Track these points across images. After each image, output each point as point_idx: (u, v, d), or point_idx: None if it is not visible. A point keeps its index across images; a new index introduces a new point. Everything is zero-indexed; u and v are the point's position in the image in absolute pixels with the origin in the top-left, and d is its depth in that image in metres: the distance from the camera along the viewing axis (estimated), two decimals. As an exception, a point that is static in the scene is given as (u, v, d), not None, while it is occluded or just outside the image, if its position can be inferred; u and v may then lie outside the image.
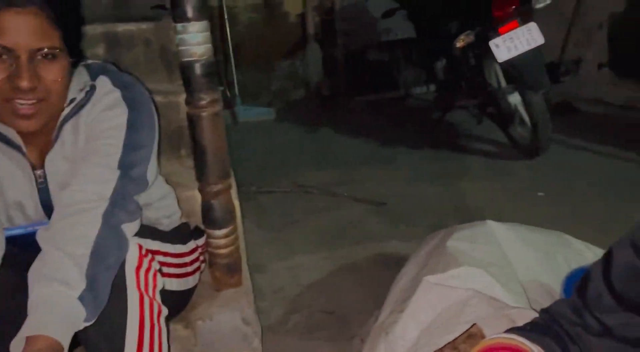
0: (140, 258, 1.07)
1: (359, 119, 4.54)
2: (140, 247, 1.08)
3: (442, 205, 2.63)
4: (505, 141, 3.30)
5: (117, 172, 1.07)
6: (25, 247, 1.08)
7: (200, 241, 1.44)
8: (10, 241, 1.12)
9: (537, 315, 1.13)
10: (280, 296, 1.92)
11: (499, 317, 1.17)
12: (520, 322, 1.11)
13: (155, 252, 1.19)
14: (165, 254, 1.25)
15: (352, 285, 1.95)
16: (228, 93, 4.50)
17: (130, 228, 1.07)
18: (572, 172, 2.91)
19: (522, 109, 3.01)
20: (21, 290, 0.96)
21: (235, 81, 4.66)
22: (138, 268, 1.06)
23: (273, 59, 5.02)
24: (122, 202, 1.06)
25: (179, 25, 1.34)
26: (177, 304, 1.35)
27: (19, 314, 0.92)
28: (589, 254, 1.57)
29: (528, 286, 1.35)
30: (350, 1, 4.88)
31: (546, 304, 1.37)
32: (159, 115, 1.23)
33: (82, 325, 0.95)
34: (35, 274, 0.95)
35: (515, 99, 3.03)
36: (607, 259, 0.86)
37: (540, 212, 2.48)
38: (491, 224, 1.55)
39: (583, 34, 4.13)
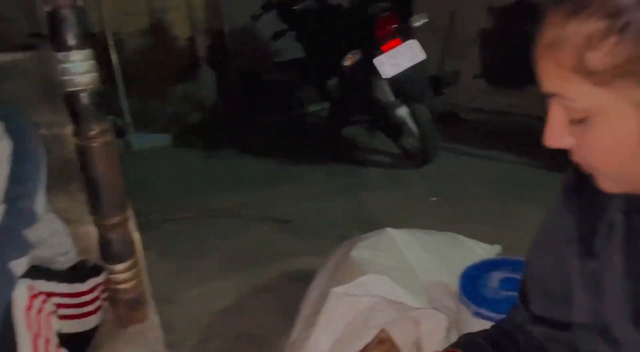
0: (31, 298, 1.00)
1: (258, 140, 4.55)
2: (31, 286, 1.01)
3: (346, 217, 2.71)
4: (398, 152, 3.47)
5: (2, 206, 1.00)
6: None
7: (100, 278, 1.37)
8: None
9: (438, 313, 1.19)
10: (193, 325, 1.88)
11: (404, 319, 1.23)
12: (424, 322, 1.18)
13: (50, 294, 1.12)
14: (62, 295, 1.18)
15: (265, 305, 1.95)
16: (119, 122, 4.33)
17: (19, 265, 1.01)
18: (459, 176, 3.11)
19: (410, 121, 3.19)
20: None
21: (127, 109, 4.50)
22: (28, 309, 0.99)
23: (165, 84, 4.91)
24: (7, 237, 1.00)
25: (61, 55, 1.29)
26: (78, 346, 1.28)
27: None
28: (480, 251, 1.70)
29: (428, 286, 1.44)
30: (239, 24, 4.91)
31: (446, 301, 1.46)
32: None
33: None
34: None
35: (403, 112, 3.20)
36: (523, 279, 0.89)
37: (435, 215, 2.63)
38: (390, 231, 1.63)
39: (459, 48, 4.46)
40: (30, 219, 1.07)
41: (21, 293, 0.99)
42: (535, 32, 0.59)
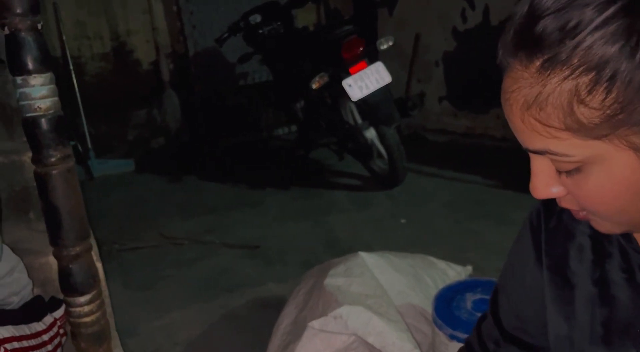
0: None
1: (222, 164, 4.50)
2: None
3: (314, 241, 2.68)
4: (366, 174, 3.47)
5: None
6: None
7: (58, 313, 1.30)
8: None
9: (412, 343, 1.17)
10: (156, 358, 1.80)
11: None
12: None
13: (7, 340, 1.04)
14: (19, 338, 1.11)
15: (231, 334, 1.89)
16: (80, 147, 4.21)
17: None
18: (427, 197, 3.13)
19: (378, 143, 3.20)
20: None
21: (87, 134, 4.39)
22: None
23: (128, 109, 4.83)
24: None
25: (19, 79, 1.23)
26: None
27: None
28: (452, 272, 1.69)
29: (403, 310, 1.42)
30: (204, 47, 4.89)
31: (421, 326, 1.44)
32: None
33: None
34: None
35: (371, 134, 3.22)
36: (494, 300, 0.89)
37: (404, 237, 2.63)
38: (362, 255, 1.61)
39: (423, 71, 4.54)
40: None
41: None
42: (501, 88, 0.56)
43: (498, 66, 0.58)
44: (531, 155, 0.57)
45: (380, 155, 3.28)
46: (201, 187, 3.89)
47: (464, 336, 1.20)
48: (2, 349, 0.95)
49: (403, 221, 2.83)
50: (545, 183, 0.57)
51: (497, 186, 3.11)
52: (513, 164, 3.47)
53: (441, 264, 1.74)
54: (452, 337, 1.22)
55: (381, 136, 3.10)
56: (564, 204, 0.59)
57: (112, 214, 3.38)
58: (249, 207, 3.29)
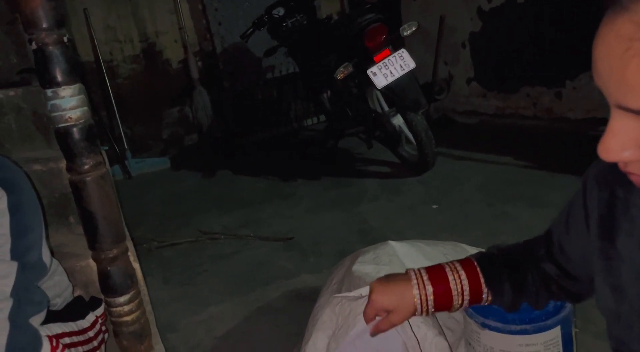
0: (53, 351, 0.99)
1: (255, 158, 4.56)
2: (50, 339, 0.99)
3: (346, 231, 2.70)
4: (396, 161, 3.47)
5: (15, 264, 0.97)
6: None
7: (99, 311, 1.36)
8: None
9: (437, 329, 1.19)
10: None
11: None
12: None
13: (60, 336, 1.11)
14: (70, 334, 1.17)
15: (269, 327, 1.93)
16: (117, 148, 4.34)
17: (38, 320, 1.00)
18: (458, 181, 3.11)
19: (406, 129, 3.19)
20: None
21: (123, 135, 4.52)
22: None
23: (160, 108, 4.94)
24: (25, 294, 0.98)
25: (49, 91, 1.29)
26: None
27: None
28: (483, 259, 1.68)
29: (433, 299, 1.42)
30: (230, 43, 4.95)
31: (448, 316, 1.45)
32: (36, 190, 1.16)
33: None
34: None
35: (398, 120, 3.21)
36: (548, 237, 0.95)
37: (437, 223, 2.62)
38: (392, 244, 1.61)
39: (450, 54, 4.47)
40: (42, 269, 1.06)
41: (44, 348, 0.98)
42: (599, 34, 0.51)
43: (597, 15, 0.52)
44: (617, 113, 0.53)
45: (409, 141, 3.26)
46: (235, 181, 3.96)
47: (495, 324, 1.19)
48: (57, 343, 1.01)
49: (435, 206, 2.82)
50: (621, 145, 0.54)
51: (529, 167, 3.05)
52: (546, 144, 3.41)
53: (473, 250, 1.72)
54: (484, 326, 1.22)
55: (408, 122, 3.08)
56: (632, 168, 0.57)
57: (151, 211, 3.48)
58: (281, 200, 3.33)
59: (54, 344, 0.99)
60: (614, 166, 0.58)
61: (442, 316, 1.41)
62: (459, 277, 0.98)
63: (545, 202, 2.56)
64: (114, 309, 1.37)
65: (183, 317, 2.08)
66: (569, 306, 1.13)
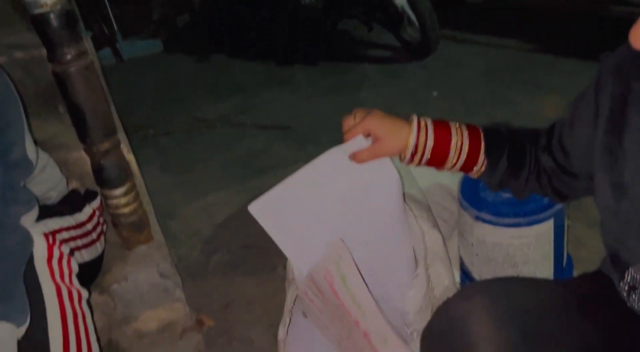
0: (50, 249, 0.99)
1: (249, 40, 4.36)
2: (47, 236, 0.99)
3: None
4: (397, 44, 3.33)
5: None
6: None
7: (95, 203, 1.36)
8: None
9: (431, 222, 1.19)
10: (197, 239, 1.91)
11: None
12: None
13: (58, 231, 1.11)
14: (68, 228, 1.18)
15: (267, 214, 1.97)
16: (106, 30, 4.14)
17: (29, 218, 0.99)
18: (461, 65, 3.01)
19: (409, 10, 3.02)
20: None
21: (112, 16, 4.29)
22: (49, 259, 0.98)
23: (150, -14, 4.64)
24: (12, 194, 0.97)
25: (20, -27, 1.18)
26: (91, 274, 1.31)
27: None
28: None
29: (429, 190, 1.42)
30: None
31: (448, 204, 1.46)
32: (15, 80, 1.10)
33: (20, 333, 0.90)
34: None
35: (401, 1, 3.03)
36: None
37: (437, 109, 2.58)
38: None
39: None
40: (27, 167, 1.03)
41: (39, 246, 0.97)
42: None
43: None
44: None
45: (411, 23, 3.10)
46: (230, 65, 3.83)
47: (488, 217, 1.21)
48: (54, 240, 1.01)
49: (435, 93, 2.76)
50: None
51: (534, 50, 2.94)
52: (552, 26, 3.24)
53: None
54: (477, 218, 1.23)
55: (412, 3, 2.91)
56: None
57: (145, 97, 3.40)
58: (278, 85, 3.25)
59: (50, 241, 0.99)
60: (634, 58, 0.55)
61: (436, 207, 1.42)
62: (462, 134, 0.96)
63: (547, 87, 2.50)
64: (111, 201, 1.38)
65: (182, 205, 2.11)
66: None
